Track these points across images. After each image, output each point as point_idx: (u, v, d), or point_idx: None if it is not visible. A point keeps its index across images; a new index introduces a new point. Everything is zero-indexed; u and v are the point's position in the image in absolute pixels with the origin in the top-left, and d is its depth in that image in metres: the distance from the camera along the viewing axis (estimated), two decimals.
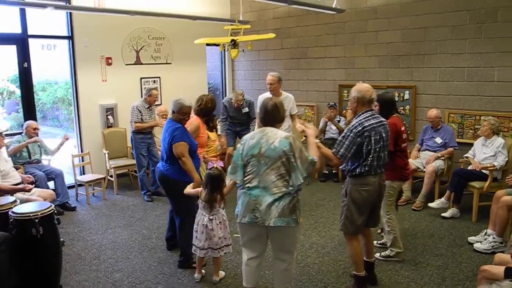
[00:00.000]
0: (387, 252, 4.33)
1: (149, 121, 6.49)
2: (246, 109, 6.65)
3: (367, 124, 3.47)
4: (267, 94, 5.80)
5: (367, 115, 3.53)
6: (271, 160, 3.07)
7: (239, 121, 6.73)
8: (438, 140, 5.99)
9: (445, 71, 6.43)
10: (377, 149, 3.50)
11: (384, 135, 3.55)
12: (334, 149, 3.52)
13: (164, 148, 4.18)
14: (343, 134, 3.54)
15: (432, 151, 6.02)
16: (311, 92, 8.12)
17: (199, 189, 3.86)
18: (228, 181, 6.67)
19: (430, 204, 5.64)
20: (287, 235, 3.21)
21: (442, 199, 5.60)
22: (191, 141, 4.18)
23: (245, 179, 3.19)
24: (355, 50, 7.39)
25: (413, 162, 5.86)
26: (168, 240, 4.68)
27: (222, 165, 4.44)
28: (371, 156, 3.47)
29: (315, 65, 7.97)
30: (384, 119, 3.65)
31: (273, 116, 3.21)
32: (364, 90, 3.55)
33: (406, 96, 6.82)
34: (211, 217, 3.79)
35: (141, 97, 7.45)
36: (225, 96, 8.91)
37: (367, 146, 3.46)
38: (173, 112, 4.17)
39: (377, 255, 4.30)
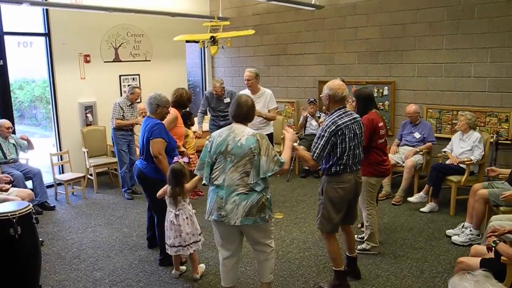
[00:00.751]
0: (364, 246, 4.39)
1: (130, 118, 6.44)
2: (227, 99, 6.63)
3: (340, 122, 3.43)
4: (247, 91, 5.80)
5: (340, 113, 3.49)
6: (237, 157, 3.05)
7: (221, 113, 6.70)
8: (417, 135, 6.08)
9: (423, 67, 6.53)
10: (352, 146, 3.48)
11: (358, 132, 3.53)
12: (311, 152, 3.48)
13: (142, 145, 4.14)
14: (317, 135, 3.50)
15: (411, 146, 6.10)
16: (291, 89, 8.15)
17: (166, 187, 3.84)
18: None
19: (409, 199, 5.74)
20: (258, 231, 3.19)
21: (421, 193, 5.70)
22: (170, 139, 4.16)
23: (212, 176, 3.17)
24: (334, 46, 7.44)
25: (392, 157, 5.92)
26: (149, 239, 4.66)
27: (187, 161, 4.40)
28: (346, 154, 3.45)
29: (295, 62, 8.00)
30: (357, 116, 3.62)
31: (242, 113, 3.19)
32: (336, 87, 3.49)
33: (385, 92, 6.90)
34: (177, 213, 3.78)
35: (121, 94, 7.40)
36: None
37: (341, 144, 3.43)
38: (156, 108, 4.13)
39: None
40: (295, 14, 7.78)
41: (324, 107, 7.32)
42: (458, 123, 5.64)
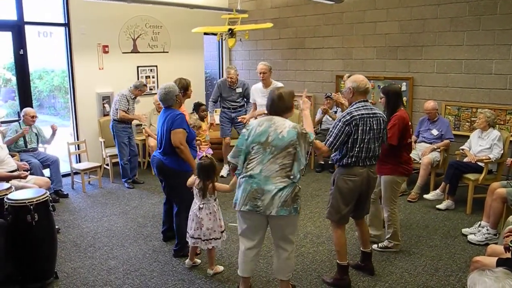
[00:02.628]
0: (385, 243, 4.35)
1: (133, 113, 6.51)
2: (239, 89, 6.65)
3: (356, 113, 3.46)
4: (260, 84, 5.81)
5: (359, 105, 3.52)
6: (277, 149, 3.07)
7: (233, 104, 6.72)
8: (435, 132, 6.00)
9: (443, 63, 6.42)
10: (365, 139, 3.47)
11: (375, 127, 3.52)
12: (326, 139, 3.53)
13: (163, 136, 4.12)
14: (333, 124, 3.56)
15: (428, 143, 6.03)
16: (308, 83, 8.10)
17: (194, 177, 3.85)
18: (225, 170, 6.70)
19: (425, 196, 5.67)
20: (288, 224, 3.21)
21: (437, 190, 5.63)
22: (190, 130, 4.17)
23: (248, 166, 3.16)
24: (352, 40, 7.37)
25: None
26: (164, 232, 4.65)
27: (211, 152, 4.43)
28: (357, 146, 3.46)
29: (313, 56, 7.95)
30: (379, 112, 3.61)
31: (280, 106, 3.20)
32: (359, 80, 3.56)
33: (403, 88, 6.81)
34: (201, 206, 3.78)
35: None
36: None
37: (354, 135, 3.45)
38: (175, 98, 4.12)
39: (375, 246, 4.33)
40: (313, 8, 7.72)
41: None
42: (477, 121, 5.54)
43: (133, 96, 6.47)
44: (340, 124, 3.47)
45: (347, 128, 3.44)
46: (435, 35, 6.43)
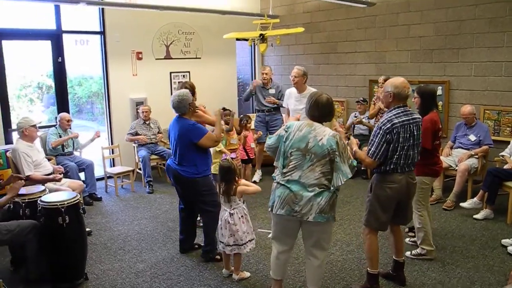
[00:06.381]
0: (418, 250, 4.20)
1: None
2: (273, 90, 6.65)
3: (397, 121, 3.35)
4: (293, 89, 5.76)
5: (398, 111, 3.40)
6: (317, 156, 3.03)
7: (266, 107, 6.74)
8: (472, 137, 5.78)
9: (481, 66, 6.19)
10: (405, 147, 3.38)
11: (416, 132, 3.42)
12: (367, 149, 3.45)
13: (178, 147, 4.05)
14: (373, 132, 3.46)
15: (465, 148, 5.80)
16: (340, 87, 7.99)
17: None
18: (257, 175, 6.60)
19: (462, 204, 5.44)
20: (324, 231, 3.18)
21: (475, 199, 5.40)
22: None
23: (286, 171, 3.13)
24: (386, 44, 7.22)
25: (445, 160, 5.66)
26: (182, 242, 4.50)
27: (235, 156, 4.42)
28: (397, 154, 3.36)
29: (345, 60, 7.83)
30: (418, 116, 3.50)
31: (324, 111, 3.16)
32: (401, 85, 3.41)
33: (439, 92, 6.60)
34: (231, 212, 3.76)
35: (171, 92, 7.64)
36: None
37: (395, 144, 3.35)
38: (188, 107, 4.05)
39: (408, 253, 4.21)
40: (346, 12, 7.62)
41: (372, 103, 7.14)
42: None
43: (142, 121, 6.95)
44: (381, 132, 3.36)
45: (388, 136, 3.34)
46: (472, 37, 6.20)
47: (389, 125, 3.35)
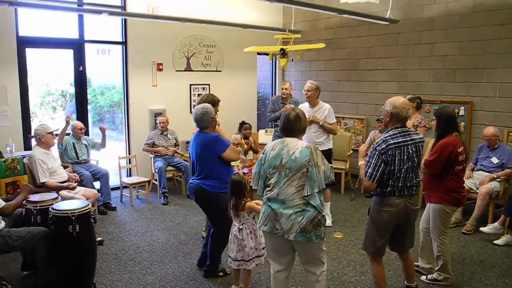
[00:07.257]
0: (435, 276, 4.06)
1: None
2: (292, 105, 6.59)
3: (392, 142, 3.24)
4: (306, 104, 5.71)
5: (395, 132, 3.30)
6: (291, 171, 3.01)
7: None
8: (494, 160, 5.60)
9: (506, 87, 6.03)
10: (403, 169, 3.25)
11: (414, 154, 3.30)
12: (365, 171, 3.33)
13: (200, 161, 4.00)
14: (369, 153, 3.34)
15: (487, 171, 5.63)
16: (361, 105, 7.89)
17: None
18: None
19: (482, 229, 5.25)
20: (310, 249, 3.11)
21: (496, 223, 5.20)
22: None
23: (267, 189, 3.14)
24: (408, 62, 7.11)
25: (465, 182, 5.48)
26: (202, 256, 4.36)
27: (246, 172, 4.36)
28: (394, 176, 3.25)
29: (366, 77, 7.75)
30: (418, 136, 3.38)
31: (293, 126, 3.17)
32: (401, 106, 3.30)
33: (462, 112, 6.45)
34: (240, 227, 3.71)
35: (190, 103, 7.66)
36: None
37: (391, 166, 3.24)
38: (211, 121, 4.01)
39: (423, 277, 4.09)
40: (368, 29, 7.56)
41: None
42: None
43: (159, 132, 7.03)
44: (376, 153, 3.26)
45: (383, 157, 3.23)
46: (498, 57, 6.06)
47: (384, 145, 3.24)
